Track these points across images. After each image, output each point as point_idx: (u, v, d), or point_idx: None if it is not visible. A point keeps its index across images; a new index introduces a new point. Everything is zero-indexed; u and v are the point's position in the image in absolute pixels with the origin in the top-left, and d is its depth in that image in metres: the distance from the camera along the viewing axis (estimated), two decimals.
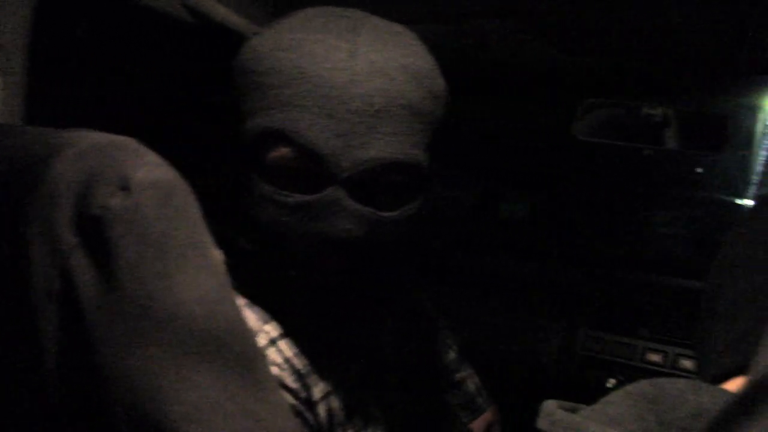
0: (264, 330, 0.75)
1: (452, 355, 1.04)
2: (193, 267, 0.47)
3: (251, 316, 0.75)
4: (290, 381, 0.75)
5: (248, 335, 0.51)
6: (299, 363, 0.76)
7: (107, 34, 1.03)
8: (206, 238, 0.51)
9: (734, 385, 0.56)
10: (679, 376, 1.21)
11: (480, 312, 1.36)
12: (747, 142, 1.92)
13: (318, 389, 0.77)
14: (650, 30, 0.93)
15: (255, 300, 0.76)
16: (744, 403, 0.32)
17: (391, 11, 0.83)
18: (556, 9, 0.91)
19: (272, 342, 0.75)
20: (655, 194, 1.83)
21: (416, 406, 0.95)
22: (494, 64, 1.17)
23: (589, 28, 0.96)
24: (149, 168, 0.45)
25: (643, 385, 0.53)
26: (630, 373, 1.22)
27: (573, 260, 1.52)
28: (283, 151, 0.68)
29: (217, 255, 0.54)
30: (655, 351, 1.22)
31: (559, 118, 1.22)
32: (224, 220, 0.78)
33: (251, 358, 0.50)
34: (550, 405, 0.55)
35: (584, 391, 1.23)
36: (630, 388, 0.53)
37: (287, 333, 0.77)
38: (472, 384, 1.05)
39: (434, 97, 0.73)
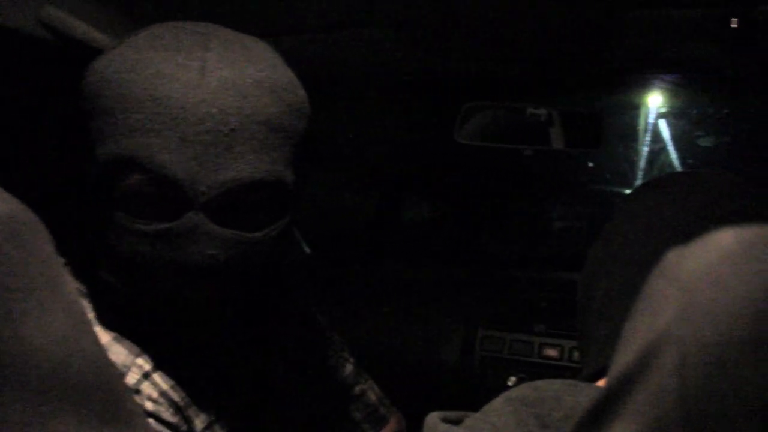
0: (136, 364, 0.71)
1: (349, 367, 1.03)
2: (44, 307, 0.43)
3: (121, 351, 0.71)
4: (168, 415, 0.71)
5: (112, 375, 0.48)
6: (177, 395, 0.73)
7: None
8: (59, 275, 0.48)
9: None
10: (575, 369, 1.26)
11: (380, 317, 1.35)
12: (632, 137, 2.02)
13: (199, 420, 0.75)
14: (524, 32, 0.95)
15: (123, 333, 0.72)
16: (594, 413, 0.32)
17: (257, 24, 0.81)
18: (425, 17, 0.93)
19: (146, 376, 0.71)
20: (549, 191, 1.89)
21: (313, 427, 0.93)
22: (370, 72, 1.18)
23: (461, 34, 0.98)
24: None
25: (523, 390, 0.53)
26: (529, 370, 1.25)
27: (470, 261, 1.55)
28: (137, 178, 0.64)
29: (74, 291, 0.50)
30: (551, 346, 1.26)
31: (445, 123, 1.24)
32: (84, 251, 0.73)
33: (116, 399, 0.48)
34: (432, 418, 0.55)
35: (487, 391, 1.24)
36: (511, 393, 0.54)
37: (161, 365, 0.73)
38: (372, 395, 1.04)
39: (294, 111, 0.71)
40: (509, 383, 1.22)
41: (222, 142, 0.64)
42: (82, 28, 0.92)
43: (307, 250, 1.62)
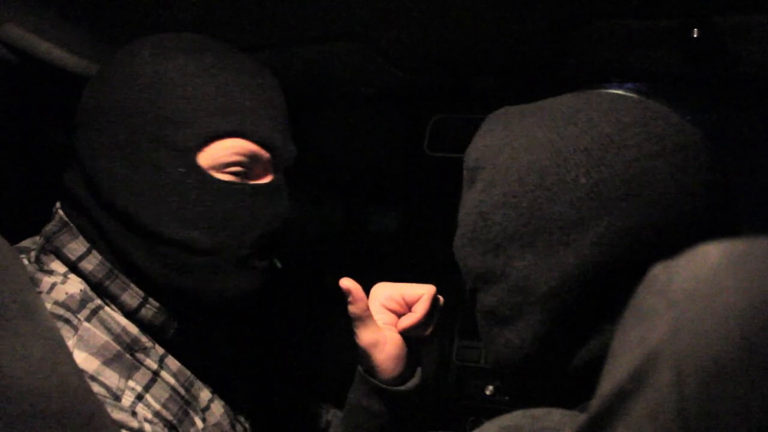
0: (129, 387, 0.74)
1: (309, 398, 1.08)
2: (20, 336, 0.42)
3: (112, 375, 0.73)
4: None
5: (91, 403, 0.47)
6: (169, 413, 0.76)
7: None
8: (34, 303, 0.47)
9: None
10: None
11: (353, 331, 1.35)
12: None
13: (194, 430, 0.80)
14: (488, 44, 0.97)
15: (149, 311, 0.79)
16: (588, 428, 0.32)
17: (231, 39, 0.82)
18: (389, 30, 0.94)
19: (139, 397, 0.74)
20: None
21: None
22: (342, 85, 1.18)
23: (425, 46, 1.00)
24: None
25: (519, 419, 0.52)
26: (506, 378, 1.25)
27: (443, 271, 1.55)
28: (243, 146, 0.79)
29: (50, 319, 0.49)
30: None
31: (414, 134, 1.24)
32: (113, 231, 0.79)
33: (96, 427, 0.46)
34: None
35: (465, 400, 1.24)
36: (504, 421, 0.52)
37: (153, 380, 0.77)
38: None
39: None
40: (487, 392, 1.22)
41: (283, 119, 0.83)
42: (44, 47, 0.91)
43: (279, 265, 1.60)
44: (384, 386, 0.82)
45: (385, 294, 0.86)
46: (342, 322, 1.42)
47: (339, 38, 0.98)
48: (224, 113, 0.77)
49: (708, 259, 0.29)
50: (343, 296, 0.82)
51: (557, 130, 0.61)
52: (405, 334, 0.85)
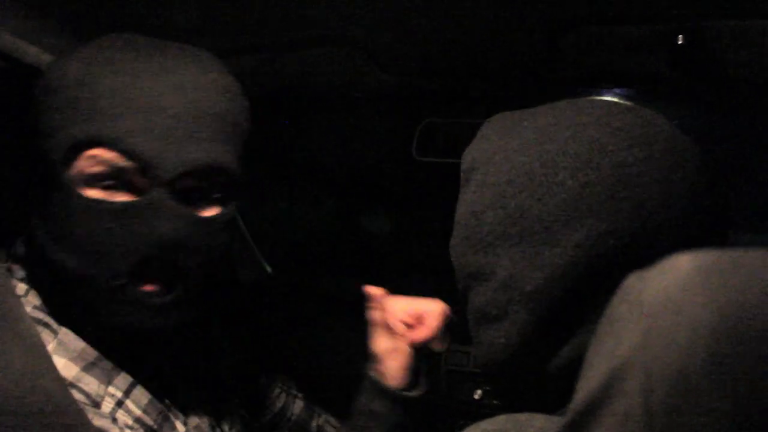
0: (109, 393, 0.73)
1: (299, 404, 1.07)
2: (1, 344, 0.42)
3: (92, 381, 0.72)
4: None
5: (72, 411, 0.47)
6: (149, 418, 0.75)
7: None
8: (15, 310, 0.47)
9: None
10: None
11: (341, 332, 1.35)
12: None
13: None
14: (476, 49, 0.97)
15: (69, 323, 0.75)
16: None
17: (212, 44, 0.82)
18: (378, 34, 0.94)
19: (119, 404, 0.73)
20: None
21: None
22: (332, 89, 1.19)
23: (415, 51, 1.00)
24: None
25: (501, 423, 0.53)
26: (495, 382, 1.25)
27: (433, 273, 1.55)
28: (105, 156, 0.70)
29: (32, 326, 0.49)
30: None
31: (403, 139, 1.25)
32: (31, 241, 0.77)
33: None
34: None
35: (455, 404, 1.25)
36: (488, 425, 0.53)
37: (134, 384, 0.76)
38: (330, 428, 1.08)
39: (242, 110, 0.79)
40: (476, 396, 1.22)
41: (183, 128, 0.71)
42: (32, 52, 0.91)
43: (269, 269, 1.60)
44: (397, 391, 0.84)
45: (399, 306, 0.89)
46: (337, 325, 1.42)
47: (329, 42, 0.99)
48: (87, 120, 0.70)
49: (679, 271, 0.30)
50: (363, 301, 0.85)
51: (548, 135, 0.63)
52: (415, 346, 0.88)
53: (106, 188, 0.71)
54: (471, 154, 0.70)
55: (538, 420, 0.50)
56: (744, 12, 0.81)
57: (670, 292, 0.29)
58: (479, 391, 1.22)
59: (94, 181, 0.71)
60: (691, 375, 0.26)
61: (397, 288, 1.52)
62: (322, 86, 1.18)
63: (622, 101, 0.68)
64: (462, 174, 0.71)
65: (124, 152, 0.69)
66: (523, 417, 0.51)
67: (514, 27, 0.89)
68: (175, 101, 0.71)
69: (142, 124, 0.70)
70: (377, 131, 1.35)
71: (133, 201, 0.71)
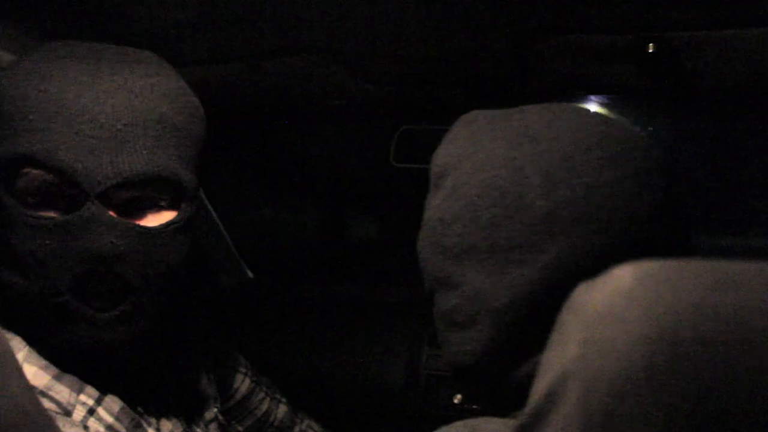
0: (80, 401, 0.72)
1: (283, 408, 1.06)
2: None
3: (63, 389, 0.72)
4: None
5: (42, 418, 0.47)
6: (122, 426, 0.74)
7: None
8: None
9: None
10: None
11: (324, 338, 1.35)
12: None
13: None
14: (448, 57, 0.99)
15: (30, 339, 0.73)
16: None
17: (186, 53, 0.82)
18: (357, 44, 0.95)
19: (91, 412, 0.73)
20: None
21: None
22: (310, 97, 1.19)
23: (392, 60, 1.01)
24: None
25: (458, 428, 0.54)
26: None
27: (415, 280, 1.55)
28: (36, 174, 0.69)
29: (1, 333, 0.49)
30: None
31: (381, 146, 1.26)
32: None
33: None
34: None
35: (434, 409, 1.25)
36: (448, 430, 0.54)
37: (106, 391, 0.75)
38: None
39: (187, 113, 0.75)
40: (455, 401, 1.23)
41: (116, 137, 0.69)
42: (6, 58, 0.91)
43: (250, 274, 1.61)
44: None
45: None
46: (321, 330, 1.43)
47: (308, 51, 0.99)
48: (18, 137, 0.68)
49: (620, 281, 0.31)
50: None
51: (520, 148, 0.62)
52: None
53: (42, 205, 0.70)
54: (441, 157, 0.69)
55: (493, 423, 0.51)
56: (713, 22, 0.83)
57: (611, 303, 0.30)
58: (459, 396, 1.23)
59: (32, 197, 0.70)
60: (627, 382, 0.27)
61: (377, 293, 1.53)
62: (302, 94, 1.18)
63: (594, 110, 0.68)
64: (432, 177, 0.70)
65: (52, 169, 0.68)
66: (478, 421, 0.52)
67: (487, 36, 0.90)
68: (106, 108, 0.68)
69: (70, 137, 0.67)
70: (356, 138, 1.36)
71: (67, 217, 0.69)
